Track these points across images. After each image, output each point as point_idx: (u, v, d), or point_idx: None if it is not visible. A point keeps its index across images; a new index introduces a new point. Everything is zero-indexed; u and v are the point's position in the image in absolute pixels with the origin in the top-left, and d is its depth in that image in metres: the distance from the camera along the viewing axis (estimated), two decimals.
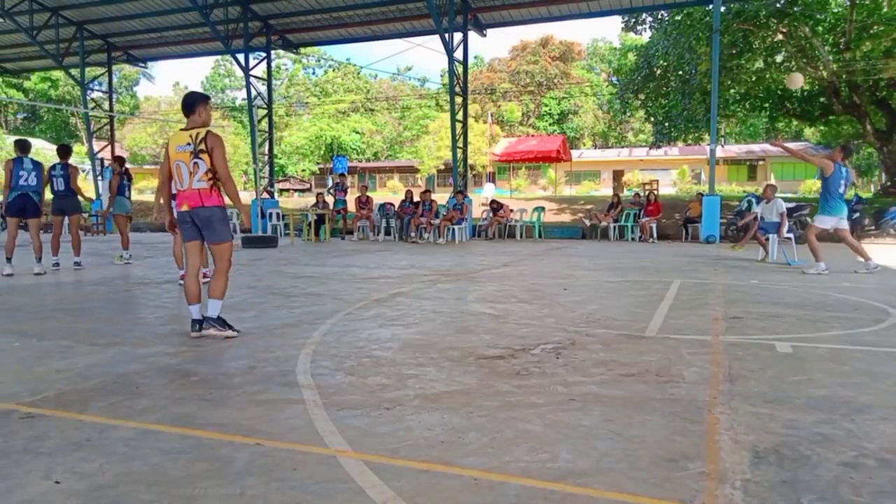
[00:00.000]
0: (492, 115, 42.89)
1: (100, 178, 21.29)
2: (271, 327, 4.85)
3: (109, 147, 23.13)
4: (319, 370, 3.57)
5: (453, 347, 4.12)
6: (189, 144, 4.35)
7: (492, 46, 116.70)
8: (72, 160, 9.13)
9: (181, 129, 4.50)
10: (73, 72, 22.67)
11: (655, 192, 19.24)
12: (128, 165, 11.11)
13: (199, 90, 4.74)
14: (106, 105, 24.32)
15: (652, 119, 22.99)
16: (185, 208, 4.42)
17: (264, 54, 20.54)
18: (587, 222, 17.15)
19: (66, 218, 9.08)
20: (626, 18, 20.77)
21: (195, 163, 4.34)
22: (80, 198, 9.11)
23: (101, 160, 22.23)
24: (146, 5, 19.28)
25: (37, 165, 8.30)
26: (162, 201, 5.56)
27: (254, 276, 8.25)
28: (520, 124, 52.28)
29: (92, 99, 24.07)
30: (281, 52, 28.19)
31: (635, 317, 5.23)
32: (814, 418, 2.76)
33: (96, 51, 22.57)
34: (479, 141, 37.18)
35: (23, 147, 8.33)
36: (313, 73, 60.67)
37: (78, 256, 9.04)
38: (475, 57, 55.48)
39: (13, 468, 2.28)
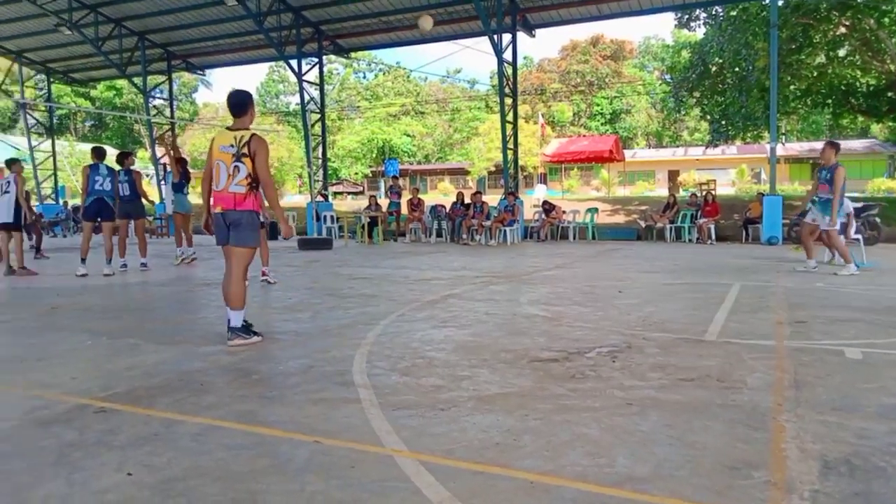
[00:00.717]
0: (542, 116, 42.60)
1: (162, 182, 22.11)
2: (327, 328, 4.94)
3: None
4: (375, 370, 3.62)
5: (506, 349, 4.10)
6: (232, 146, 4.26)
7: (541, 47, 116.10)
8: (135, 165, 9.52)
9: (227, 128, 4.42)
10: (136, 80, 23.69)
11: (713, 192, 18.69)
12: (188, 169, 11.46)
13: (253, 95, 4.68)
14: (167, 112, 25.27)
15: (708, 117, 22.35)
16: (218, 210, 4.36)
17: (316, 60, 20.93)
18: (642, 223, 16.83)
19: (132, 221, 9.46)
20: (679, 15, 20.29)
21: (235, 166, 4.26)
22: (144, 201, 9.50)
23: (164, 165, 23.09)
24: (203, 15, 19.98)
25: (111, 171, 8.70)
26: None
27: (310, 278, 8.42)
28: (571, 124, 51.64)
29: (154, 106, 25.08)
30: (332, 56, 28.68)
31: (694, 320, 5.11)
32: (887, 428, 2.64)
33: (157, 59, 23.51)
34: (529, 142, 36.90)
35: (99, 154, 8.73)
36: (364, 78, 61.51)
37: (144, 258, 9.42)
38: (524, 57, 55.18)
39: (88, 460, 2.40)
